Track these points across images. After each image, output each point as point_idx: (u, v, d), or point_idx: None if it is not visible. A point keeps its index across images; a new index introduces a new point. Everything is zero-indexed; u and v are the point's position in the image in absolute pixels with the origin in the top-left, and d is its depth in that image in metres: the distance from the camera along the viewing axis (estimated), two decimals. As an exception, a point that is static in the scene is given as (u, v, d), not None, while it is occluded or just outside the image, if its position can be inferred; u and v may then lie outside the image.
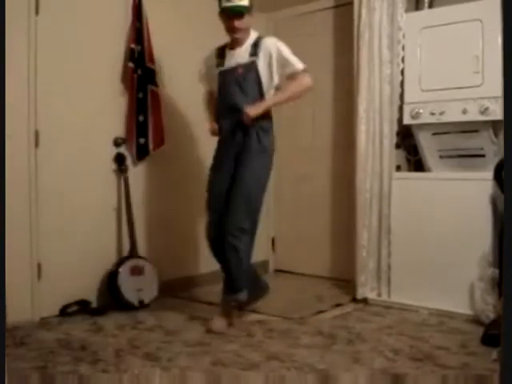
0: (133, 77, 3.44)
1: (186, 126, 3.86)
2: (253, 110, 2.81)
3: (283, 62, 2.87)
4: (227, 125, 2.92)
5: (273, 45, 2.89)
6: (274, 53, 2.87)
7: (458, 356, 2.47)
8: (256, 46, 2.89)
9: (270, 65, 2.87)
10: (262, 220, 3.13)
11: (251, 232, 2.89)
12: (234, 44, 2.94)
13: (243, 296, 2.95)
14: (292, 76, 2.88)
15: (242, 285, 2.93)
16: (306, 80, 2.88)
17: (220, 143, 3.01)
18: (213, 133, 3.01)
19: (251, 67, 2.87)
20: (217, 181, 2.97)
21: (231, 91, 2.88)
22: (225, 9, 2.81)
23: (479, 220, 3.02)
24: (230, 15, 2.81)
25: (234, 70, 2.89)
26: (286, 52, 2.88)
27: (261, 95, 2.88)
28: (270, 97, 2.92)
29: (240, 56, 2.90)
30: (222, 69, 2.94)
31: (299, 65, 2.87)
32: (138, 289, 3.31)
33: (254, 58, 2.87)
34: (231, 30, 2.86)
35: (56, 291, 3.12)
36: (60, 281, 3.15)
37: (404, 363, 2.39)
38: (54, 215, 3.13)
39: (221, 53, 2.98)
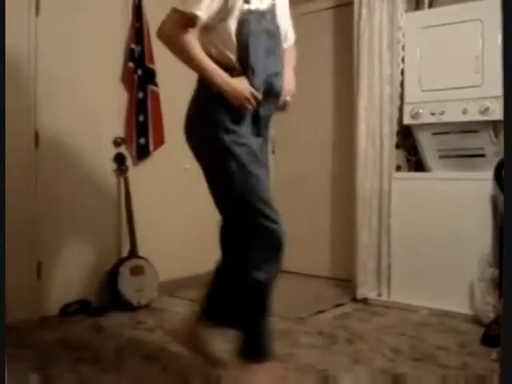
0: (133, 77, 3.44)
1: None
2: (293, 89, 2.10)
3: (287, 19, 2.12)
4: (264, 106, 1.96)
5: None
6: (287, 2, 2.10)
7: (457, 356, 2.47)
8: None
9: (285, 15, 2.07)
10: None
11: None
12: None
13: None
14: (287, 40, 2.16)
15: None
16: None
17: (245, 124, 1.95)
18: (250, 100, 1.88)
19: (273, 15, 1.98)
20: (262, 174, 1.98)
21: (261, 53, 1.91)
22: None
23: (479, 220, 3.02)
24: None
25: (263, 15, 1.92)
26: None
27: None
28: (291, 70, 2.15)
29: None
30: (251, 7, 1.87)
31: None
32: (138, 289, 3.31)
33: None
34: None
35: (56, 291, 3.13)
36: (60, 280, 3.15)
37: (404, 363, 2.39)
38: (53, 215, 3.13)
39: None
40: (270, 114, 2.06)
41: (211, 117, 1.90)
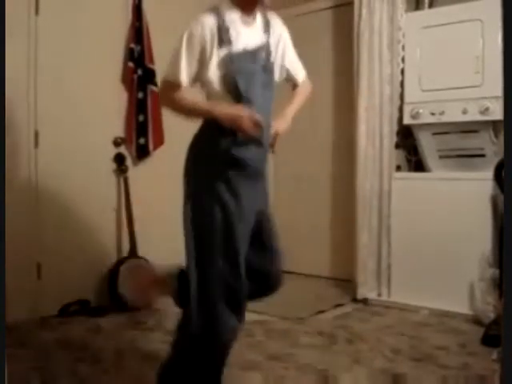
0: (133, 77, 3.44)
1: (185, 125, 3.85)
2: (284, 127, 2.03)
3: (290, 58, 2.09)
4: (254, 150, 1.89)
5: (284, 27, 2.08)
6: (287, 39, 2.07)
7: (458, 356, 2.47)
8: (267, 21, 1.99)
9: (282, 54, 2.03)
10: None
11: None
12: (250, 14, 1.92)
13: None
14: (296, 78, 2.14)
15: None
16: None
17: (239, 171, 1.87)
18: (255, 129, 1.80)
19: (267, 52, 1.95)
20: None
21: (257, 89, 1.88)
22: None
23: (479, 220, 3.02)
24: None
25: (255, 53, 1.90)
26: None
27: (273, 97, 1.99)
28: (293, 107, 2.12)
29: (257, 33, 1.95)
30: (235, 50, 1.86)
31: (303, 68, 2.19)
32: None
33: (266, 37, 1.96)
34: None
35: (56, 291, 3.12)
36: (60, 281, 3.15)
37: (404, 363, 2.39)
38: (53, 215, 3.13)
39: (224, 25, 1.87)
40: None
41: (211, 163, 1.89)
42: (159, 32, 3.54)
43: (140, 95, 3.47)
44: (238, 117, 1.78)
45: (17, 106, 2.90)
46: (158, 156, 3.63)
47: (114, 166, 3.44)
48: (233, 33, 1.86)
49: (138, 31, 3.45)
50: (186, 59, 1.84)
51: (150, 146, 3.55)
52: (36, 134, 3.05)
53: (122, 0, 3.45)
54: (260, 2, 1.91)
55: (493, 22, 2.92)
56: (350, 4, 3.61)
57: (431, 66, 3.22)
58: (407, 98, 3.34)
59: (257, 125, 1.79)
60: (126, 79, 3.46)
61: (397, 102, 3.41)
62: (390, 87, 3.41)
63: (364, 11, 3.44)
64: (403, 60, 3.37)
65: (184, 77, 1.84)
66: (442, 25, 3.17)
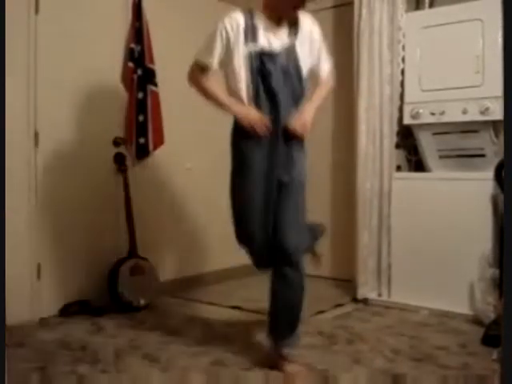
0: (133, 77, 3.44)
1: (185, 125, 3.85)
2: (306, 124, 2.35)
3: (318, 53, 2.36)
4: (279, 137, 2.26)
5: (313, 25, 2.38)
6: (315, 36, 2.35)
7: (458, 356, 2.47)
8: (295, 22, 2.29)
9: (308, 52, 2.31)
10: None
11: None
12: (280, 21, 2.25)
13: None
14: (318, 74, 2.40)
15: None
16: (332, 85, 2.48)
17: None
18: (262, 129, 2.19)
19: (291, 54, 2.24)
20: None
21: (276, 86, 2.19)
22: None
23: (479, 220, 3.02)
24: None
25: (276, 56, 2.20)
26: (321, 39, 2.37)
27: (302, 94, 2.31)
28: (312, 101, 2.38)
29: (282, 37, 2.25)
30: (256, 49, 2.17)
31: (329, 62, 2.43)
32: (138, 289, 3.31)
33: (292, 41, 2.26)
34: (299, 4, 2.22)
35: (56, 291, 3.12)
36: (60, 281, 3.15)
37: (404, 363, 2.39)
38: (53, 215, 3.13)
39: (251, 25, 2.20)
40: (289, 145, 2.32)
41: (236, 142, 2.34)
42: (159, 32, 3.54)
43: (140, 95, 3.46)
44: (250, 120, 2.18)
45: (17, 106, 2.89)
46: (158, 156, 3.63)
47: (114, 166, 3.44)
48: (258, 34, 2.18)
49: (138, 31, 3.45)
50: (218, 47, 2.18)
51: (150, 146, 3.54)
52: (36, 134, 3.04)
53: (122, 0, 3.45)
54: (291, 15, 2.24)
55: (493, 21, 2.92)
56: (350, 4, 3.61)
57: (431, 66, 3.22)
58: (407, 98, 3.33)
59: (265, 127, 2.18)
60: (126, 79, 3.45)
61: (397, 102, 3.41)
62: (390, 87, 3.41)
63: (364, 11, 3.44)
64: (403, 60, 3.37)
65: (215, 62, 2.21)
66: (442, 25, 3.17)
